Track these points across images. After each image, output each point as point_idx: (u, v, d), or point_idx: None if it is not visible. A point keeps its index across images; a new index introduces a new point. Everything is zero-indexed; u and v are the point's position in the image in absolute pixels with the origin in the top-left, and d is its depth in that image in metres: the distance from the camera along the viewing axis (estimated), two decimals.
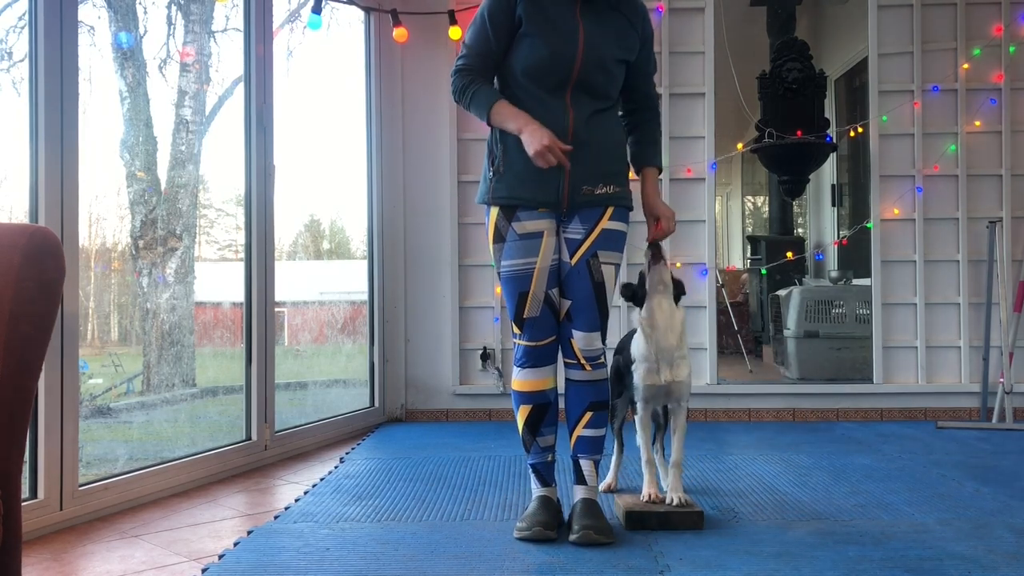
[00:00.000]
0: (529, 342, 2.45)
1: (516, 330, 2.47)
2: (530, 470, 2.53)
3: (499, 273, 2.48)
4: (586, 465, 2.47)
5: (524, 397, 2.48)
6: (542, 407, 2.47)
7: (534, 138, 2.28)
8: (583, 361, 2.44)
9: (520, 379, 2.48)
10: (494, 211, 2.45)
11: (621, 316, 4.47)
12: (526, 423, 2.48)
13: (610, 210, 2.45)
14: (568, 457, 2.54)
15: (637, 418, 2.63)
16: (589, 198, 2.41)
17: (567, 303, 2.44)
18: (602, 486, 2.93)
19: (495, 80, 2.50)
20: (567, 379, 2.50)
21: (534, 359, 2.46)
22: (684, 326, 2.58)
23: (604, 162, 2.43)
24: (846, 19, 6.39)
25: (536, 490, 2.52)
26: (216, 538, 2.50)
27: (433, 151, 4.65)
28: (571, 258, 2.43)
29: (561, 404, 2.51)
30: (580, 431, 2.47)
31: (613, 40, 2.43)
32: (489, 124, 2.43)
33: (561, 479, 2.84)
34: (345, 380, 4.72)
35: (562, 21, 2.39)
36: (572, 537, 2.34)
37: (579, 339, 2.43)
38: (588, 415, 2.46)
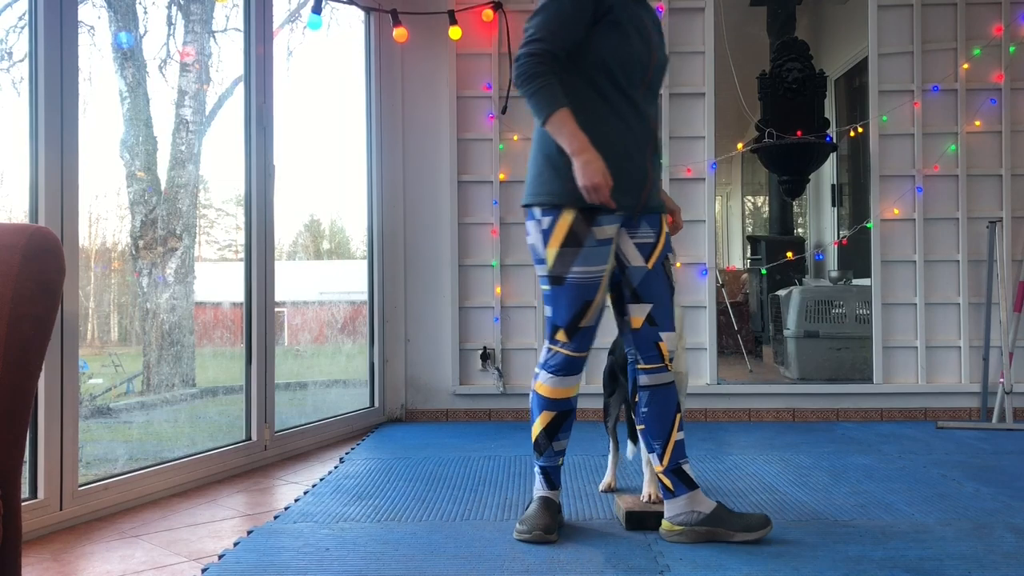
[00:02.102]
0: (575, 352, 2.38)
1: (563, 338, 2.37)
2: (538, 472, 2.50)
3: (557, 278, 2.33)
4: (688, 468, 2.40)
5: (550, 403, 2.42)
6: (565, 414, 2.45)
7: (590, 169, 2.19)
8: (668, 363, 2.40)
9: (550, 386, 2.41)
10: (569, 213, 2.29)
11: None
12: (546, 428, 2.44)
13: (664, 212, 2.47)
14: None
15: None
16: (656, 201, 2.41)
17: (646, 307, 2.37)
18: (601, 486, 2.94)
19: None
20: (644, 386, 2.41)
21: (574, 368, 2.40)
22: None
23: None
24: (846, 19, 6.39)
25: (540, 491, 2.49)
26: (216, 538, 2.50)
27: (433, 151, 4.65)
28: (647, 262, 2.39)
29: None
30: (677, 435, 2.39)
31: (662, 40, 2.45)
32: (542, 125, 2.28)
33: (565, 481, 2.83)
34: (345, 380, 4.72)
35: (637, 16, 2.34)
36: (751, 537, 2.33)
37: (667, 340, 2.39)
38: (679, 417, 2.41)
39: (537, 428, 2.46)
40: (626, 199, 2.33)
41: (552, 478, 2.48)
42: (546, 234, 2.33)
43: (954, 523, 2.51)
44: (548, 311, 2.39)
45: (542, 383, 2.43)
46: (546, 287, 2.38)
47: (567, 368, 2.39)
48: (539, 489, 2.50)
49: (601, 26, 2.27)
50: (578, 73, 2.30)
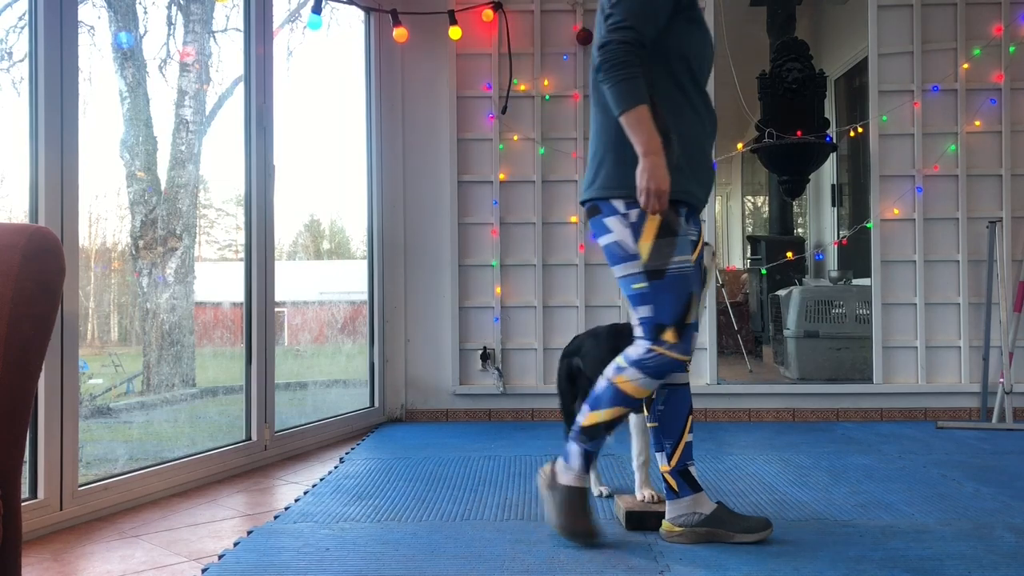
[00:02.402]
0: (682, 355, 2.24)
1: (672, 338, 2.22)
2: (579, 454, 2.34)
3: (657, 271, 2.20)
4: (694, 470, 2.38)
5: (630, 402, 2.29)
6: (635, 411, 2.46)
7: (659, 173, 2.11)
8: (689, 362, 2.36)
9: (638, 386, 2.26)
10: None
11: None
12: (612, 421, 2.31)
13: None
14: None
15: (638, 418, 2.61)
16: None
17: None
18: (596, 492, 2.89)
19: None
20: (671, 384, 2.37)
21: (673, 371, 2.27)
22: None
23: None
24: (846, 19, 6.39)
25: (580, 476, 2.34)
26: (216, 538, 2.50)
27: (433, 151, 4.65)
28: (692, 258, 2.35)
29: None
30: (687, 436, 2.38)
31: None
32: (618, 115, 2.16)
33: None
34: (345, 380, 4.72)
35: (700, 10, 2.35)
36: (751, 539, 2.30)
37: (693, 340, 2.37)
38: (690, 419, 2.40)
39: (602, 418, 2.30)
40: (701, 192, 2.29)
41: (592, 462, 2.38)
42: (636, 227, 2.21)
43: (954, 523, 2.51)
44: (646, 311, 2.23)
45: (629, 381, 2.26)
46: (641, 284, 2.22)
47: (667, 371, 2.25)
48: (577, 470, 2.34)
49: (680, 18, 2.23)
50: (658, 64, 2.23)
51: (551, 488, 2.37)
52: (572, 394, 2.77)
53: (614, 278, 4.54)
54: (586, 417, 2.33)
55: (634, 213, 2.21)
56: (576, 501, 2.34)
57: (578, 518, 2.32)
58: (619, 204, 2.22)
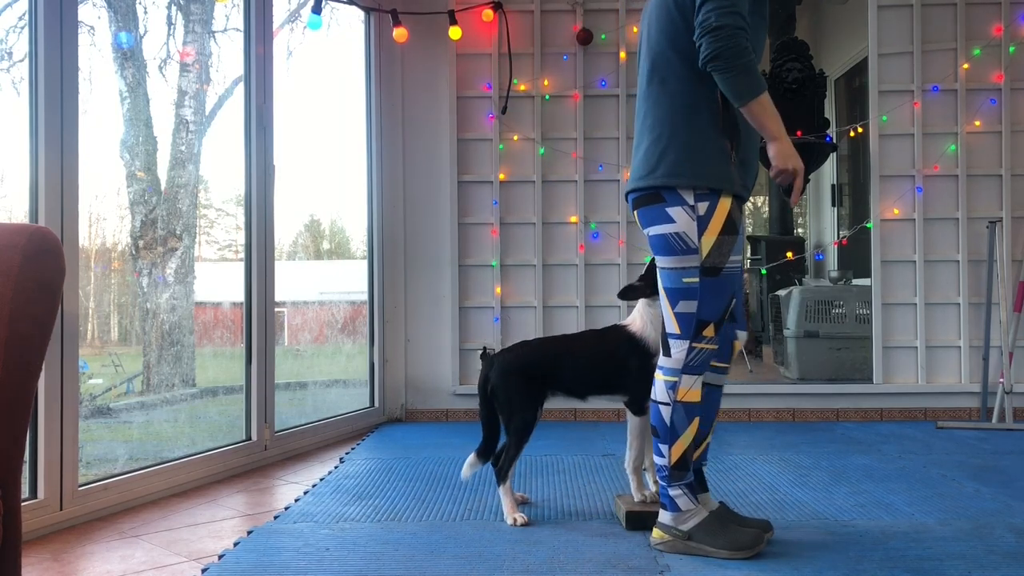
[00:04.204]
0: (717, 346, 2.24)
1: (712, 333, 2.20)
2: (684, 491, 2.23)
3: (713, 269, 2.17)
4: (704, 471, 2.39)
5: (698, 408, 2.23)
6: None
7: (795, 156, 2.13)
8: (729, 364, 2.35)
9: (696, 388, 2.21)
10: (727, 199, 2.17)
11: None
12: (695, 437, 2.23)
13: None
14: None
15: (641, 420, 2.59)
16: None
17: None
18: (511, 520, 2.59)
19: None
20: (709, 384, 2.32)
21: (714, 359, 2.30)
22: None
23: None
24: (846, 19, 6.39)
25: (698, 507, 2.26)
26: (216, 538, 2.50)
27: (433, 151, 4.65)
28: None
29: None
30: (709, 438, 2.37)
31: None
32: (742, 104, 2.11)
33: (564, 480, 2.82)
34: (345, 380, 4.72)
35: None
36: (737, 556, 2.20)
37: (741, 339, 2.36)
38: (715, 421, 2.41)
39: (685, 442, 2.21)
40: (751, 184, 2.29)
41: (694, 488, 2.28)
42: (703, 221, 2.15)
43: (954, 523, 2.51)
44: (689, 307, 2.18)
45: (690, 388, 2.20)
46: (693, 280, 2.17)
47: (707, 365, 2.24)
48: (688, 511, 2.24)
49: (756, 12, 2.21)
50: None
51: (689, 539, 2.23)
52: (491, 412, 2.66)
53: (611, 278, 4.55)
54: (669, 456, 2.22)
55: (703, 206, 2.16)
56: (718, 523, 2.24)
57: (736, 534, 2.23)
58: (688, 195, 2.17)
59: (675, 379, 2.21)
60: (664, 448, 2.23)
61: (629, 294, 2.61)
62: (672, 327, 2.23)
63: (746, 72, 2.07)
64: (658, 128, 2.23)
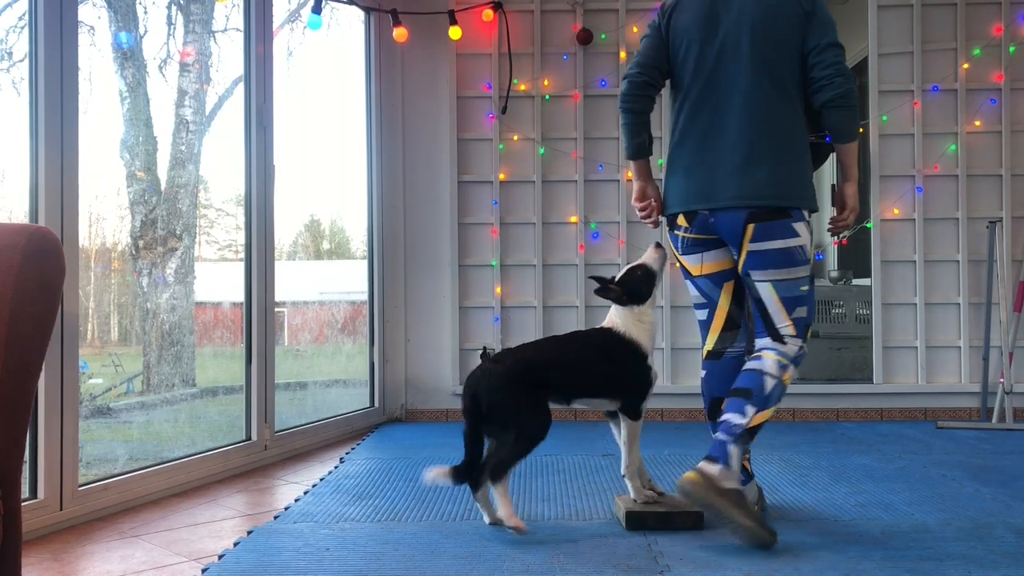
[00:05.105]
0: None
1: (809, 336, 2.48)
2: (739, 457, 2.33)
3: (813, 277, 2.47)
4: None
5: (783, 394, 2.45)
6: None
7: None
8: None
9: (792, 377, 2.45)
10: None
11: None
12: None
13: None
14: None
15: (635, 426, 2.55)
16: None
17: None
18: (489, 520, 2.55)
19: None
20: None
21: None
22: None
23: None
24: (846, 19, 6.38)
25: (739, 479, 2.34)
26: (216, 538, 2.50)
27: (433, 151, 4.65)
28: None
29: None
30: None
31: None
32: (846, 142, 2.45)
33: (564, 480, 2.81)
34: (345, 380, 4.72)
35: None
36: (749, 535, 2.26)
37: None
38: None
39: (768, 415, 2.35)
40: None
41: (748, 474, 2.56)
42: (811, 235, 2.47)
43: (954, 523, 2.51)
44: (803, 311, 2.44)
45: (791, 376, 2.42)
46: (806, 288, 2.44)
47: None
48: (733, 473, 2.29)
49: None
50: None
51: (721, 495, 2.23)
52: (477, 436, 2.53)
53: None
54: (753, 418, 2.32)
55: (810, 224, 2.46)
56: (751, 507, 2.30)
57: (759, 519, 2.28)
58: (807, 213, 2.44)
59: (788, 363, 2.40)
60: (751, 410, 2.33)
61: (605, 295, 2.57)
62: (788, 330, 2.43)
63: (857, 116, 2.44)
64: (759, 140, 2.40)
